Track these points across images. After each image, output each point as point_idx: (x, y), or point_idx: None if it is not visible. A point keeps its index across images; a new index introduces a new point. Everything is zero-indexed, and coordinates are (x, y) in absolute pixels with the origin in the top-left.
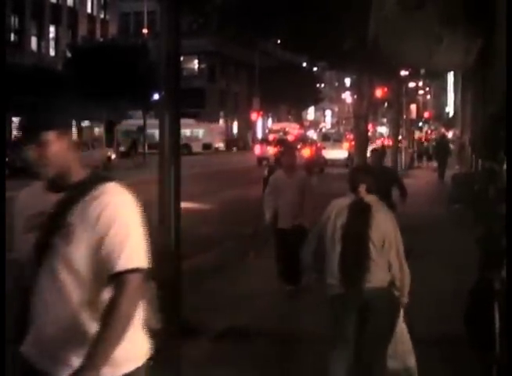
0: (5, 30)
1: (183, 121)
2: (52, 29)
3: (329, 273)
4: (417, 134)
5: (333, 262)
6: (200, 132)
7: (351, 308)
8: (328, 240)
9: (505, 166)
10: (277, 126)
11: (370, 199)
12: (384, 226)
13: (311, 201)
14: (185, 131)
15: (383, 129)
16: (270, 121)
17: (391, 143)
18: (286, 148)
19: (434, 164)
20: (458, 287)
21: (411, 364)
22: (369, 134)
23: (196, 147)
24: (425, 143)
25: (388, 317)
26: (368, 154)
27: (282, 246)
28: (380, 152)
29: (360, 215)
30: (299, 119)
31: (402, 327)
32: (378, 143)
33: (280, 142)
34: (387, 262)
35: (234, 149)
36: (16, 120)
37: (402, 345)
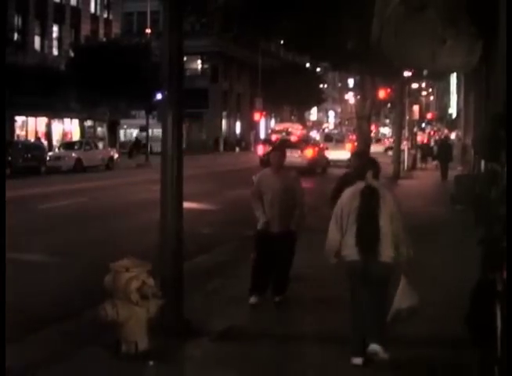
0: (6, 30)
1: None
2: (55, 28)
3: (346, 247)
4: (420, 135)
5: (350, 238)
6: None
7: (363, 273)
8: (345, 220)
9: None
10: (280, 126)
11: (376, 184)
12: (390, 206)
13: (301, 204)
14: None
15: (385, 130)
16: (273, 121)
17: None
18: (275, 146)
19: (435, 162)
20: (460, 288)
21: (406, 305)
22: (372, 134)
23: (158, 147)
24: (432, 144)
25: (387, 281)
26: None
27: (265, 253)
28: (362, 156)
29: (370, 197)
30: (302, 119)
31: (403, 280)
32: (384, 144)
33: (283, 142)
34: (394, 235)
35: (237, 149)
36: (18, 119)
37: (401, 293)
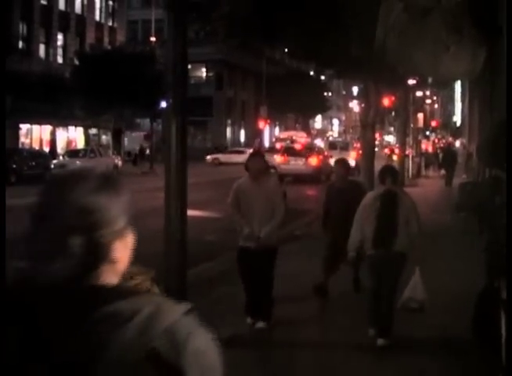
0: (6, 35)
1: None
2: (60, 36)
3: (367, 242)
4: (424, 143)
5: (370, 234)
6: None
7: (381, 264)
8: (366, 220)
9: None
10: (284, 134)
11: (395, 188)
12: (406, 208)
13: (280, 215)
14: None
15: (390, 138)
16: (277, 129)
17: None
18: (254, 152)
19: (442, 172)
20: (465, 294)
21: (419, 297)
22: (377, 142)
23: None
24: (439, 151)
25: (401, 269)
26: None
27: (246, 270)
28: (344, 162)
29: (389, 200)
30: (306, 127)
31: (417, 272)
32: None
33: (287, 150)
34: (408, 233)
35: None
36: (23, 127)
37: (414, 284)
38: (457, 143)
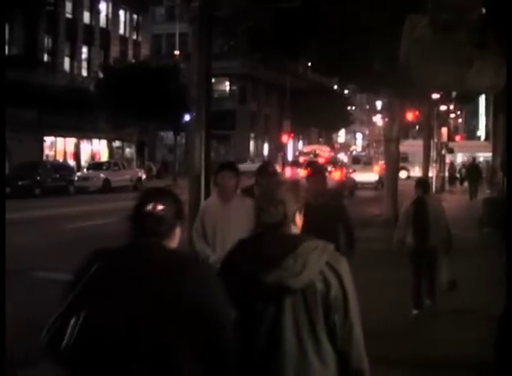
0: (4, 30)
1: None
2: (84, 50)
3: (408, 238)
4: (448, 158)
5: (410, 232)
6: None
7: (419, 255)
8: (404, 223)
9: None
10: (308, 148)
11: (425, 197)
12: (435, 211)
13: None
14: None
15: None
16: (301, 143)
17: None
18: (222, 164)
19: (465, 185)
20: (487, 311)
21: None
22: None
23: None
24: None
25: (435, 259)
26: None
27: None
28: (320, 172)
29: (420, 206)
30: (330, 141)
31: (445, 260)
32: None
33: (310, 164)
34: (438, 231)
35: None
36: (47, 139)
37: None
38: (481, 158)
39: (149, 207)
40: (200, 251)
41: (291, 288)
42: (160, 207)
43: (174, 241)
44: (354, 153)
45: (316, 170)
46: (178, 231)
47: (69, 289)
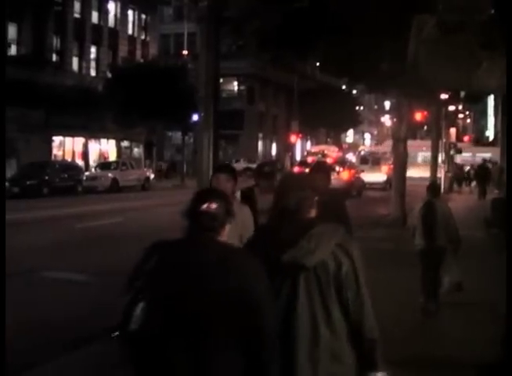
0: (5, 30)
1: None
2: (93, 50)
3: (417, 239)
4: (458, 158)
5: (418, 234)
6: None
7: (428, 255)
8: (415, 224)
9: None
10: (316, 149)
11: (433, 200)
12: (443, 213)
13: None
14: None
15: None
16: (309, 143)
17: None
18: (217, 167)
19: (474, 184)
20: (495, 311)
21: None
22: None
23: None
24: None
25: (442, 258)
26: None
27: None
28: (321, 170)
29: (428, 209)
30: (338, 142)
31: (452, 259)
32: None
33: (317, 164)
34: (446, 232)
35: None
36: (56, 139)
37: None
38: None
39: (204, 206)
40: None
41: (305, 266)
42: (213, 206)
43: (225, 235)
44: (362, 152)
45: (317, 168)
46: (227, 227)
47: (132, 278)
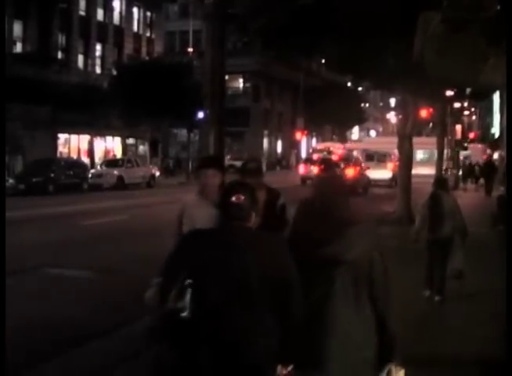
0: (4, 29)
1: None
2: (98, 47)
3: (424, 230)
4: (462, 155)
5: (426, 224)
6: None
7: (435, 245)
8: (422, 215)
9: None
10: (321, 146)
11: (439, 192)
12: (449, 205)
13: None
14: None
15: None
16: (314, 140)
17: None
18: (203, 160)
19: (481, 182)
20: (498, 308)
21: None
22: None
23: None
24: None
25: (449, 249)
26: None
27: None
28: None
29: (434, 201)
30: (343, 139)
31: (459, 248)
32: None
33: (324, 161)
34: (453, 223)
35: (277, 168)
36: (61, 136)
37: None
38: (495, 155)
39: (233, 198)
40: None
41: (342, 261)
42: (241, 198)
43: (252, 223)
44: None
45: (326, 166)
46: (253, 215)
47: (170, 264)
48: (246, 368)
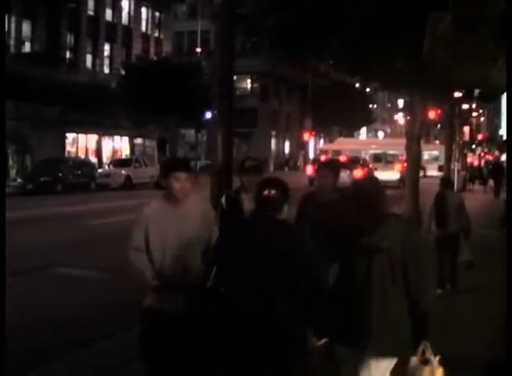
0: (4, 29)
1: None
2: (106, 47)
3: (432, 228)
4: (470, 156)
5: (433, 222)
6: None
7: (442, 241)
8: (429, 214)
9: None
10: (329, 146)
11: (445, 191)
12: (455, 203)
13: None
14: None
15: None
16: (322, 141)
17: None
18: (172, 163)
19: (491, 184)
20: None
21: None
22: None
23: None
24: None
25: (455, 244)
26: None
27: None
28: (328, 167)
29: (440, 199)
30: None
31: (464, 244)
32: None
33: (325, 162)
34: (458, 220)
35: (286, 169)
36: (69, 136)
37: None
38: (503, 157)
39: (266, 192)
40: (138, 273)
41: (380, 248)
42: (272, 192)
43: (283, 214)
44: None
45: (324, 164)
46: (285, 207)
47: (215, 249)
48: (274, 333)
